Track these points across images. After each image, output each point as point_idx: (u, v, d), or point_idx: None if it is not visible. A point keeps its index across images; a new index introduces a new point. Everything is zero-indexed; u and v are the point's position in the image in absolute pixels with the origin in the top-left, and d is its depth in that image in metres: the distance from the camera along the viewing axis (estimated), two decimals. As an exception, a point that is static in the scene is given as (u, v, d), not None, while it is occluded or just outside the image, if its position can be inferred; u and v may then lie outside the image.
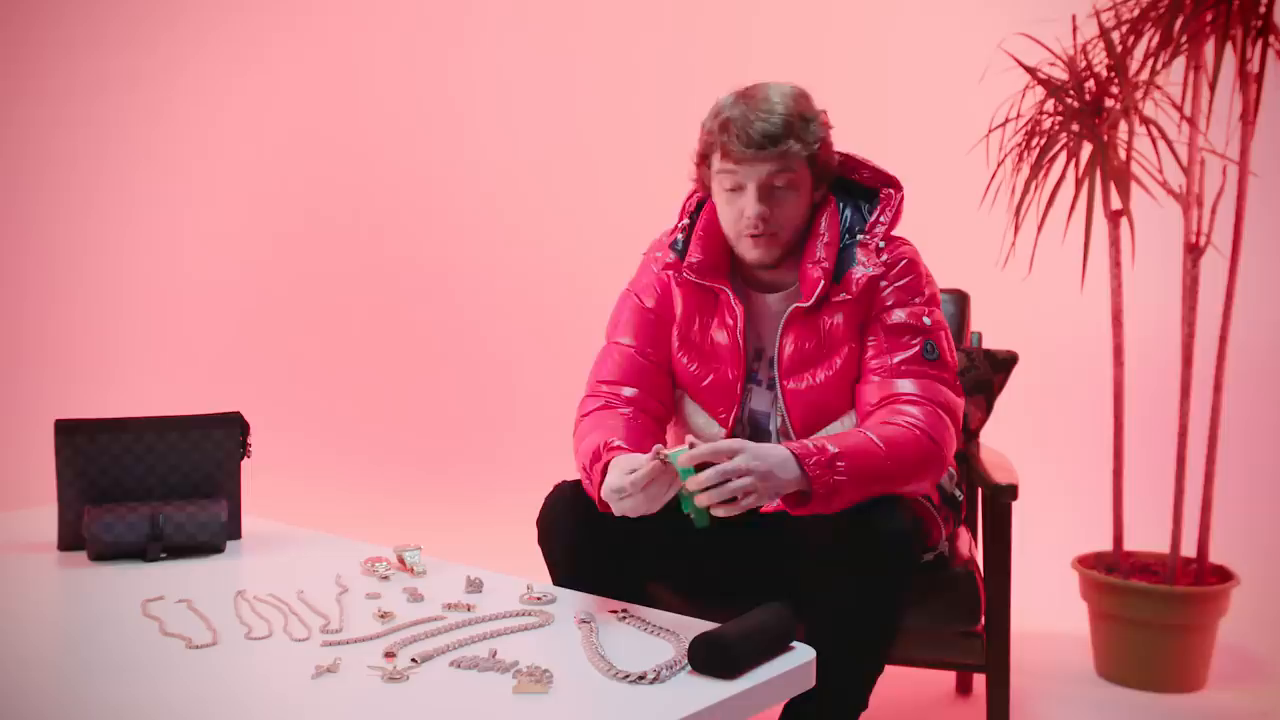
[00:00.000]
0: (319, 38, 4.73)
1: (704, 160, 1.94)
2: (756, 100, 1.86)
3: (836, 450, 1.71)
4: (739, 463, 1.63)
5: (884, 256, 1.92)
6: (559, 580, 1.87)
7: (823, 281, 1.89)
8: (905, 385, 1.86)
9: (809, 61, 4.06)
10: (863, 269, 1.90)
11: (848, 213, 1.96)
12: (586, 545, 1.84)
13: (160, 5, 4.61)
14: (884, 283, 1.91)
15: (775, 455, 1.67)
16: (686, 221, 2.01)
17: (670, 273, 1.99)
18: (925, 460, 1.81)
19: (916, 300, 1.92)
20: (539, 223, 4.60)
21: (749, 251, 1.91)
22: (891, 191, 1.97)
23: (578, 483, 1.87)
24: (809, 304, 1.90)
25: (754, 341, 1.98)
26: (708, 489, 1.62)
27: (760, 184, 1.86)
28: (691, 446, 1.65)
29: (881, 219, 1.95)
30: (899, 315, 1.90)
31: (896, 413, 1.83)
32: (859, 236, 1.93)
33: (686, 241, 1.98)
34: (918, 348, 1.88)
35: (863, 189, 1.99)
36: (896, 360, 1.88)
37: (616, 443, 1.79)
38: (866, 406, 1.88)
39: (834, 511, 1.72)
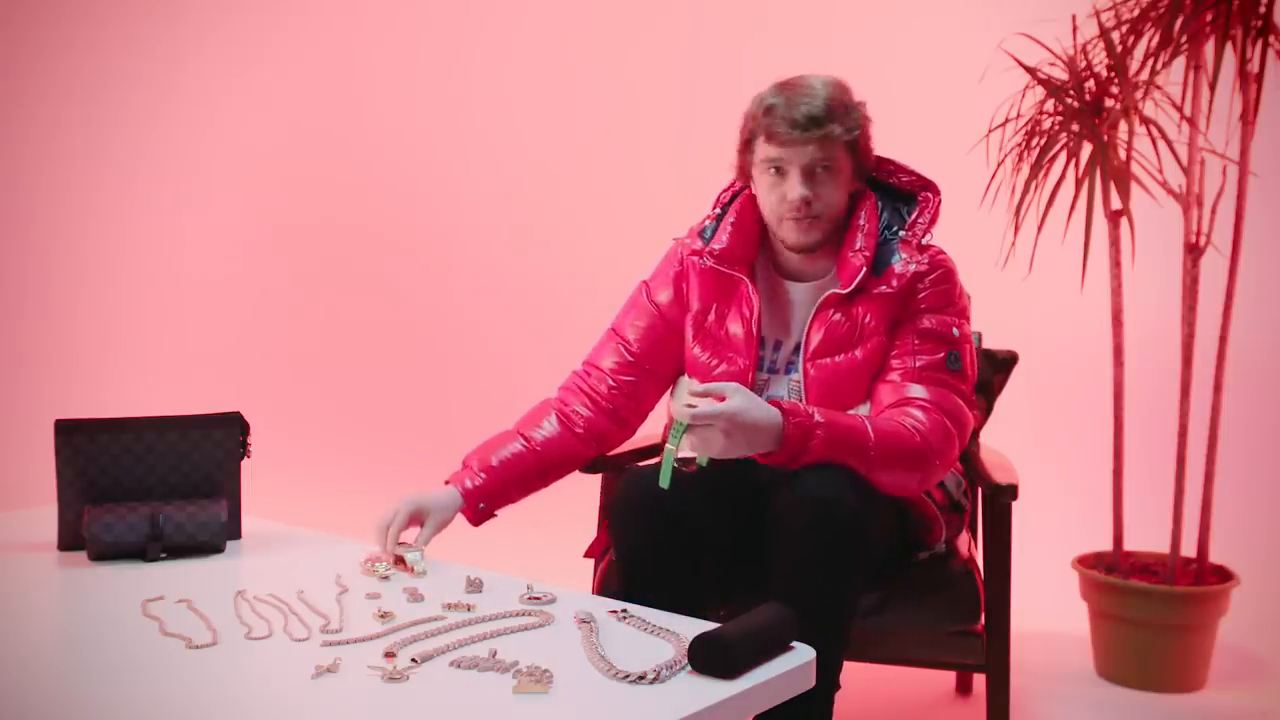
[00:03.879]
0: (319, 38, 4.73)
1: (746, 147, 1.97)
2: (799, 87, 1.92)
3: (821, 421, 1.78)
4: (724, 409, 1.72)
5: (924, 260, 1.95)
6: (625, 568, 1.89)
7: (864, 270, 1.92)
8: (919, 390, 1.90)
9: (808, 61, 4.05)
10: (905, 264, 1.93)
11: (885, 214, 2.00)
12: (655, 533, 1.85)
13: (160, 5, 4.61)
14: (922, 284, 1.94)
15: (764, 416, 1.75)
16: (719, 211, 2.07)
17: (694, 259, 2.05)
18: (911, 460, 1.83)
19: (949, 309, 1.95)
20: (540, 223, 4.60)
21: (790, 234, 1.95)
22: (929, 195, 2.01)
23: (646, 473, 1.89)
24: (847, 291, 1.93)
25: (774, 332, 2.02)
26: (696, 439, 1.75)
27: (804, 167, 1.90)
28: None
29: (920, 220, 1.98)
30: (930, 321, 1.94)
31: (904, 414, 1.87)
32: (900, 234, 1.97)
33: (715, 230, 2.04)
34: (941, 356, 1.92)
35: (900, 192, 2.03)
36: (919, 364, 1.91)
37: (494, 459, 2.06)
38: (880, 407, 1.91)
39: (798, 466, 1.80)
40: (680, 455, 1.76)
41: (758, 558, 1.98)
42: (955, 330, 1.94)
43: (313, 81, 4.72)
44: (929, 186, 2.03)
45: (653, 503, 1.83)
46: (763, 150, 1.93)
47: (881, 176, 2.03)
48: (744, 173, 2.02)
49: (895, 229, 1.98)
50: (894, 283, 1.93)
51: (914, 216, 1.99)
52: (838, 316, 1.95)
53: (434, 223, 4.70)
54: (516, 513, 2.46)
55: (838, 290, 1.94)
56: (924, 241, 1.97)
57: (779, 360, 2.01)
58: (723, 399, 1.74)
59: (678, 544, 1.85)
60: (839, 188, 1.93)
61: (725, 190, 2.10)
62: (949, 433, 1.87)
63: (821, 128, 1.88)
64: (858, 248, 1.94)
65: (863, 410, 1.95)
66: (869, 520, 1.81)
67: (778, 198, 1.93)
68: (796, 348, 1.99)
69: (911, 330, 1.94)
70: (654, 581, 1.83)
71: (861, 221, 1.96)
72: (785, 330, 2.02)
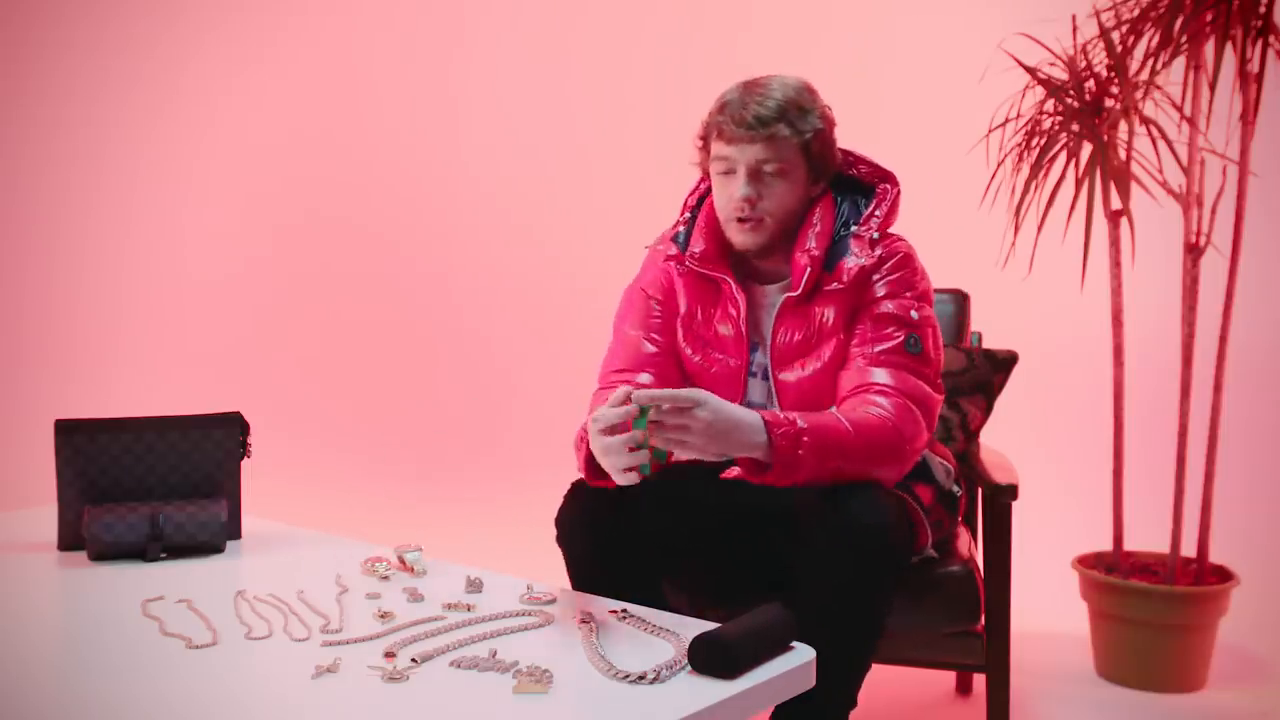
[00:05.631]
0: (318, 38, 4.73)
1: (705, 144, 1.96)
2: (757, 87, 1.90)
3: (805, 425, 1.73)
4: (692, 418, 1.66)
5: (878, 250, 1.93)
6: (576, 578, 1.87)
7: (809, 269, 1.90)
8: (880, 375, 1.87)
9: (808, 61, 4.05)
10: (854, 259, 1.91)
11: (844, 207, 1.97)
12: (604, 544, 1.84)
13: (160, 5, 4.61)
14: (876, 275, 1.92)
15: (743, 420, 1.70)
16: (689, 215, 2.04)
17: (674, 265, 2.02)
18: (889, 450, 1.81)
19: (907, 294, 1.92)
20: (540, 223, 4.60)
21: (736, 235, 1.94)
22: (888, 187, 1.98)
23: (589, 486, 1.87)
24: (799, 293, 1.91)
25: (753, 333, 2.00)
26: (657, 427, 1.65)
27: (750, 167, 1.88)
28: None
29: (876, 213, 1.96)
30: (887, 306, 1.91)
31: (867, 401, 1.84)
32: (853, 229, 1.95)
33: (689, 235, 2.01)
34: (900, 340, 1.89)
35: (861, 185, 2.01)
36: (878, 350, 1.89)
37: None
38: (842, 392, 1.89)
39: (790, 484, 1.74)
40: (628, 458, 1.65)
41: (734, 554, 1.98)
42: (914, 313, 1.91)
43: (312, 81, 4.72)
44: (888, 178, 2.00)
45: (604, 515, 1.81)
46: (715, 148, 1.92)
47: (842, 169, 2.00)
48: (704, 169, 2.00)
49: (853, 224, 1.96)
50: (844, 278, 1.91)
51: (869, 210, 1.96)
52: (796, 320, 1.93)
53: (434, 223, 4.70)
54: (516, 512, 2.46)
55: (791, 294, 1.93)
56: (881, 232, 1.94)
57: (755, 364, 2.00)
58: (690, 406, 1.67)
59: (628, 550, 1.83)
60: (789, 191, 1.91)
61: (691, 194, 2.07)
62: (915, 417, 1.85)
63: (768, 128, 1.86)
64: (807, 247, 1.92)
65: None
66: (901, 543, 1.80)
67: (726, 198, 1.92)
68: (767, 352, 1.97)
69: (869, 316, 1.91)
70: (604, 586, 1.81)
71: (815, 220, 1.94)
72: (760, 333, 2.00)
